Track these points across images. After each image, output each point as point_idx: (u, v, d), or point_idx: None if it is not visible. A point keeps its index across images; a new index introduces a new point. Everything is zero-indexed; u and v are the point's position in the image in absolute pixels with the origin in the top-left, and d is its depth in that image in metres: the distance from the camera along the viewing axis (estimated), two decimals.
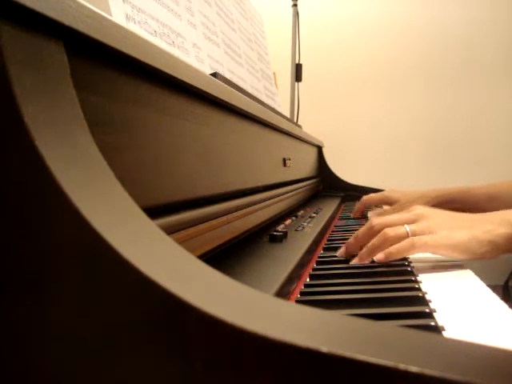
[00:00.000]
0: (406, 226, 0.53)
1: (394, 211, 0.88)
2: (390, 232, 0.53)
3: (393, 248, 0.51)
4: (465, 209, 0.69)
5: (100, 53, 0.27)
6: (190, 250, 0.22)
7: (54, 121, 0.20)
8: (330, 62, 2.07)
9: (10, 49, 0.19)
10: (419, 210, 0.57)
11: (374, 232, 0.55)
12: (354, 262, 0.54)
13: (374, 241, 0.53)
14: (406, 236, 0.52)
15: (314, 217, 0.83)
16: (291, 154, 0.95)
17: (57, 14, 0.22)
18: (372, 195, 0.96)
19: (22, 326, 0.20)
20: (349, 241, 0.58)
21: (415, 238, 0.51)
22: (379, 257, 0.52)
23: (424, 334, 0.16)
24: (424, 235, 0.52)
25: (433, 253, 0.52)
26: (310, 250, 0.57)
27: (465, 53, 1.99)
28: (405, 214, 0.57)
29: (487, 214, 0.55)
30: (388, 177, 1.98)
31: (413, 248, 0.51)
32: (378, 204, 0.95)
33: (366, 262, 0.53)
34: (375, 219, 0.57)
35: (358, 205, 0.98)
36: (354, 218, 0.97)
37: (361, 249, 0.56)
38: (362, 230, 0.57)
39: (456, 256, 0.51)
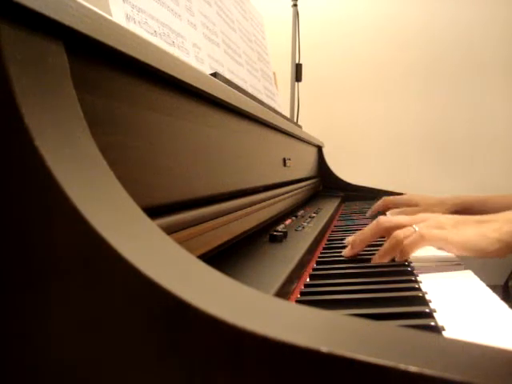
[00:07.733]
0: (414, 225, 0.53)
1: (411, 212, 0.88)
2: (401, 234, 0.52)
3: (403, 245, 0.51)
4: None
5: (100, 53, 0.27)
6: (190, 250, 0.22)
7: (54, 121, 0.20)
8: (330, 62, 2.07)
9: (10, 49, 0.19)
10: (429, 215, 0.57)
11: (380, 230, 0.55)
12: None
13: (386, 245, 0.53)
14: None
15: (313, 217, 0.83)
16: (291, 154, 0.95)
17: (57, 14, 0.22)
18: (393, 197, 0.98)
19: (21, 326, 0.20)
20: (354, 239, 0.57)
21: (424, 231, 0.51)
22: None
23: (424, 334, 0.16)
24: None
25: (442, 249, 0.52)
26: (310, 250, 0.57)
27: (464, 53, 1.99)
28: (413, 216, 0.57)
29: (492, 214, 0.55)
30: (388, 177, 1.97)
31: (422, 240, 0.50)
32: (398, 206, 0.96)
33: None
34: (382, 217, 0.57)
35: (378, 203, 0.97)
36: (370, 216, 0.97)
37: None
38: (369, 228, 0.57)
39: (465, 253, 0.51)
